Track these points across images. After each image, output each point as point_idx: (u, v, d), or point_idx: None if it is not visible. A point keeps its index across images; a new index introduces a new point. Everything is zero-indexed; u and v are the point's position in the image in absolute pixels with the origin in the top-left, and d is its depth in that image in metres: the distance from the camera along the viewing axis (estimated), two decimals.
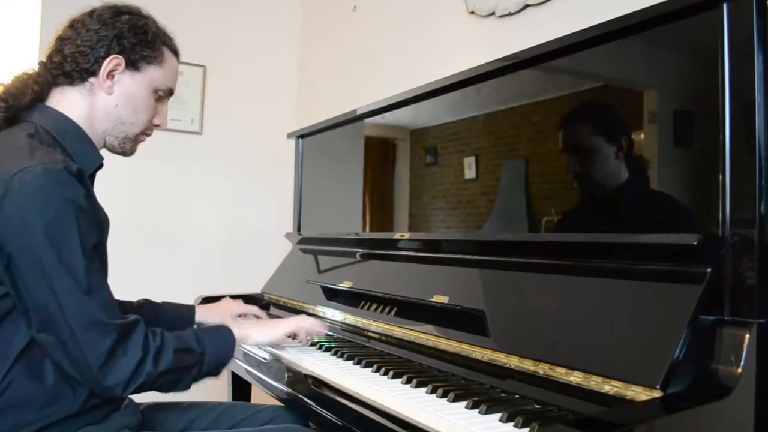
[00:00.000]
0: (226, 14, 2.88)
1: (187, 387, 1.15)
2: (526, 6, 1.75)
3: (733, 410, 0.82)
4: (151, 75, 1.20)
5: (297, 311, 1.80)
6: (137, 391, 1.06)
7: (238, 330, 1.25)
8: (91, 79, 1.16)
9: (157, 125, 1.27)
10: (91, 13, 1.17)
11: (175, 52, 1.26)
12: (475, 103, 1.46)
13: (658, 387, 0.83)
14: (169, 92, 1.26)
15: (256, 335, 1.33)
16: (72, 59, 1.14)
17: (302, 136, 2.23)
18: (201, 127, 2.82)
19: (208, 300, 1.84)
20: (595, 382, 0.91)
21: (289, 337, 1.40)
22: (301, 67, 3.08)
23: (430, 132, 1.65)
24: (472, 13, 1.94)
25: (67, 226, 1.00)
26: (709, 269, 0.89)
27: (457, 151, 1.53)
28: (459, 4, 2.00)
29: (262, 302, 2.03)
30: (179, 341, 1.12)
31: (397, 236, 1.62)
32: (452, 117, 1.56)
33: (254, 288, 2.11)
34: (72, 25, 1.18)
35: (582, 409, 0.91)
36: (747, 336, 0.84)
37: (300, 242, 2.15)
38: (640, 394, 0.85)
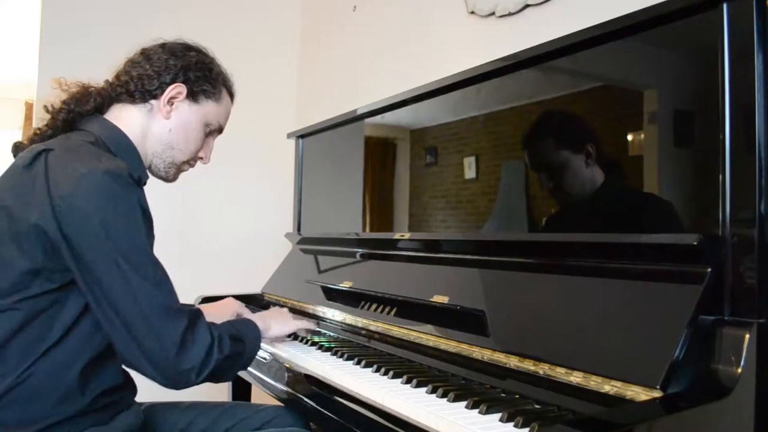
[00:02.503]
0: (226, 14, 2.87)
1: (230, 378, 1.18)
2: (526, 6, 1.75)
3: (733, 410, 0.82)
4: (207, 109, 1.28)
5: (297, 311, 1.80)
6: (204, 377, 1.08)
7: (261, 322, 1.30)
8: (152, 102, 1.23)
9: (201, 158, 1.34)
10: (163, 45, 1.26)
11: (232, 95, 1.36)
12: (475, 103, 1.46)
13: (658, 387, 0.83)
14: (219, 129, 1.34)
15: (276, 328, 1.38)
16: (138, 80, 1.22)
17: (302, 136, 2.23)
18: None
19: (208, 300, 1.84)
20: (595, 382, 0.91)
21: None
22: (301, 67, 3.08)
23: (430, 132, 1.65)
24: (472, 13, 1.94)
25: (137, 225, 1.05)
26: (709, 269, 0.89)
27: (457, 151, 1.53)
28: (459, 4, 2.00)
29: (262, 302, 2.03)
30: (229, 330, 1.16)
31: (397, 236, 1.62)
32: (452, 117, 1.56)
33: (254, 288, 2.11)
34: (143, 52, 1.26)
35: (582, 409, 0.91)
36: (747, 336, 0.84)
37: (300, 242, 2.15)
38: (640, 394, 0.85)
